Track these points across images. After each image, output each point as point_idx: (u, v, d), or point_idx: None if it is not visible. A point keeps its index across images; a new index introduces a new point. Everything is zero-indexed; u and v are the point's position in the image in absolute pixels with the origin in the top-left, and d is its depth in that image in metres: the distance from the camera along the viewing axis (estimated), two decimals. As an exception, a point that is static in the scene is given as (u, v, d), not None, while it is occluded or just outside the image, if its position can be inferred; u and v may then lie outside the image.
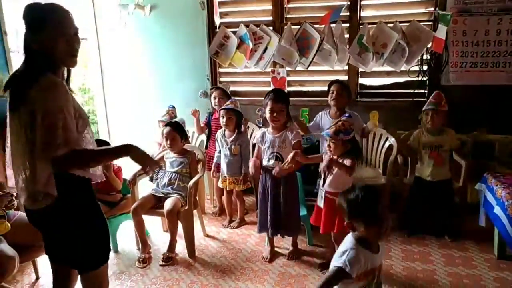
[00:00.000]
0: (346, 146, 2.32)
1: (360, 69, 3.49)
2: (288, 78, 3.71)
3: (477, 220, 2.86)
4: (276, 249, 2.85)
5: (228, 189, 3.27)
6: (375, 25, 3.26)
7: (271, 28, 3.59)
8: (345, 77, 3.59)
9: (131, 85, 4.09)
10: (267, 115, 2.57)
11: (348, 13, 3.44)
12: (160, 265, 2.72)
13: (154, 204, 2.88)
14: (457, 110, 3.00)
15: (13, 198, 2.39)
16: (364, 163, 3.51)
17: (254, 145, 2.94)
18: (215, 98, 3.42)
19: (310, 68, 3.48)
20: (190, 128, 3.73)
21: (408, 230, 3.03)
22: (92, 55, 4.18)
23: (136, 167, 1.67)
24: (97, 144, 2.96)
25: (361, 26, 3.34)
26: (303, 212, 2.85)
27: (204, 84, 3.88)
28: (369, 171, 3.38)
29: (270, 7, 3.64)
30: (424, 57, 3.31)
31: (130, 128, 4.12)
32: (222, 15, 3.77)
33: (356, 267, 1.49)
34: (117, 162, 2.91)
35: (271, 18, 3.65)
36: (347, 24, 3.46)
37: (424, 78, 3.37)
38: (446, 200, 2.89)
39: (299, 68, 3.51)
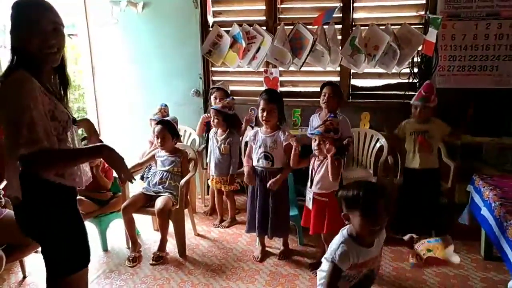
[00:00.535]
0: (335, 145, 2.35)
1: (352, 71, 3.52)
2: (281, 78, 3.72)
3: (465, 222, 2.91)
4: (267, 248, 2.86)
5: (214, 188, 3.27)
6: (367, 27, 3.29)
7: (264, 28, 3.59)
8: (337, 78, 3.62)
9: (122, 82, 4.05)
10: (259, 114, 2.59)
11: (340, 15, 3.47)
12: (151, 264, 2.71)
13: (144, 202, 2.86)
14: (445, 112, 3.04)
15: (0, 195, 2.36)
16: (354, 163, 3.54)
17: (246, 144, 2.94)
18: (215, 98, 3.39)
19: (303, 68, 3.49)
20: (182, 127, 3.71)
21: (396, 230, 3.05)
22: (83, 51, 4.13)
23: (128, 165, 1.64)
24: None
25: (354, 28, 3.37)
26: (294, 212, 2.86)
27: (196, 83, 3.86)
28: (359, 171, 3.41)
29: (264, 7, 3.65)
30: (415, 59, 3.36)
31: (121, 126, 4.08)
32: (215, 14, 3.76)
33: (346, 261, 1.55)
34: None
35: (264, 18, 3.66)
36: (340, 26, 3.49)
37: (415, 80, 3.42)
38: (433, 190, 2.92)
39: (291, 68, 3.52)
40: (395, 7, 3.47)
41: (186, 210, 2.96)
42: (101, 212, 2.87)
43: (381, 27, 3.24)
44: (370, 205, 1.51)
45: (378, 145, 3.35)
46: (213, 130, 3.25)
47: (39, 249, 2.40)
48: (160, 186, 2.88)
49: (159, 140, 2.88)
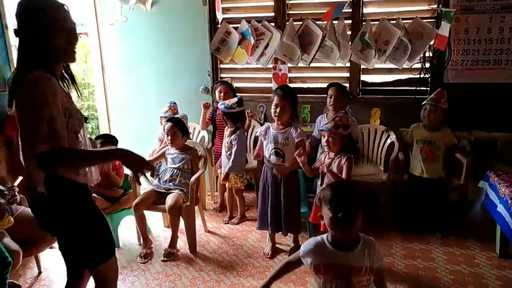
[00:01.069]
0: (343, 141, 2.33)
1: (362, 66, 3.48)
2: (290, 75, 3.70)
3: (478, 218, 2.87)
4: (277, 245, 2.85)
5: (222, 183, 3.28)
6: (377, 22, 3.25)
7: (273, 24, 3.57)
8: (347, 74, 3.59)
9: (132, 80, 4.07)
10: (272, 110, 2.58)
11: (350, 10, 3.42)
12: (162, 261, 2.72)
13: (155, 199, 2.87)
14: (458, 107, 3.00)
15: (16, 193, 2.39)
16: (365, 160, 3.51)
17: (256, 138, 2.94)
18: (220, 92, 3.38)
19: (312, 64, 3.47)
20: (192, 124, 3.72)
21: (406, 228, 3.03)
22: (93, 49, 4.15)
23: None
24: (105, 140, 2.97)
25: (364, 23, 3.33)
26: (304, 209, 2.84)
27: (205, 80, 3.86)
28: (370, 168, 3.38)
29: (272, 3, 3.62)
30: (427, 54, 3.31)
31: (131, 124, 4.10)
32: (224, 10, 3.75)
33: (306, 258, 1.54)
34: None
35: (273, 14, 3.63)
36: (350, 21, 3.44)
37: (426, 76, 3.37)
38: (437, 198, 2.89)
39: (300, 64, 3.50)
40: (406, 1, 3.41)
41: (196, 207, 2.97)
42: (112, 209, 2.89)
43: (391, 21, 3.20)
44: (337, 203, 1.45)
45: (389, 141, 3.31)
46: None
47: (55, 244, 2.47)
48: (171, 183, 2.89)
49: (169, 137, 2.89)
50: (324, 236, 1.56)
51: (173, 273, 2.58)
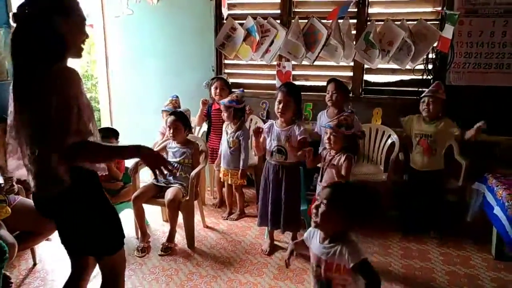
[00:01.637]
0: (345, 141, 2.33)
1: (366, 66, 3.48)
2: (294, 72, 3.70)
3: (476, 219, 2.89)
4: (275, 242, 2.86)
5: (222, 180, 3.29)
6: (382, 22, 3.25)
7: (278, 21, 3.57)
8: (350, 73, 3.60)
9: (135, 73, 4.07)
10: (275, 106, 2.58)
11: (355, 9, 3.42)
12: (159, 255, 2.73)
13: (155, 193, 2.88)
14: (459, 109, 3.01)
15: (13, 183, 2.39)
16: (365, 159, 3.52)
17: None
18: (216, 88, 3.39)
19: (316, 63, 3.47)
20: (194, 119, 3.72)
21: (403, 228, 3.04)
22: (97, 41, 4.15)
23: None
24: (106, 133, 2.97)
25: (368, 23, 3.33)
26: (303, 206, 2.86)
27: (209, 75, 3.85)
28: (370, 167, 3.39)
29: (278, 1, 3.62)
30: (430, 56, 3.31)
31: (133, 117, 4.11)
32: (230, 6, 3.75)
33: (306, 238, 1.71)
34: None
35: (279, 11, 3.63)
36: (355, 20, 3.45)
37: (429, 77, 3.37)
38: (434, 191, 2.89)
39: (304, 62, 3.50)
40: (411, 3, 3.42)
41: (195, 202, 2.98)
42: (112, 202, 2.89)
43: (396, 22, 3.20)
44: (323, 194, 1.57)
45: (389, 141, 3.32)
46: (226, 122, 3.25)
47: (51, 236, 2.47)
48: (171, 177, 2.90)
49: (171, 131, 2.89)
50: None
51: (170, 267, 2.59)
